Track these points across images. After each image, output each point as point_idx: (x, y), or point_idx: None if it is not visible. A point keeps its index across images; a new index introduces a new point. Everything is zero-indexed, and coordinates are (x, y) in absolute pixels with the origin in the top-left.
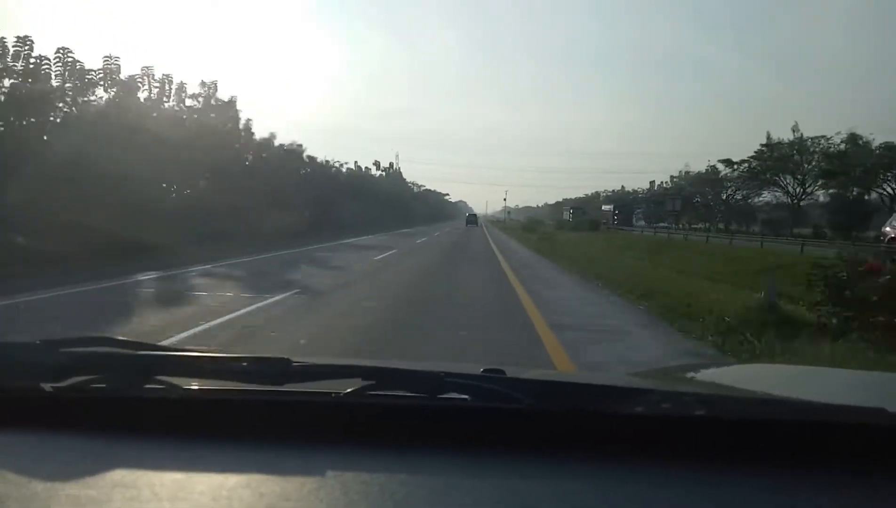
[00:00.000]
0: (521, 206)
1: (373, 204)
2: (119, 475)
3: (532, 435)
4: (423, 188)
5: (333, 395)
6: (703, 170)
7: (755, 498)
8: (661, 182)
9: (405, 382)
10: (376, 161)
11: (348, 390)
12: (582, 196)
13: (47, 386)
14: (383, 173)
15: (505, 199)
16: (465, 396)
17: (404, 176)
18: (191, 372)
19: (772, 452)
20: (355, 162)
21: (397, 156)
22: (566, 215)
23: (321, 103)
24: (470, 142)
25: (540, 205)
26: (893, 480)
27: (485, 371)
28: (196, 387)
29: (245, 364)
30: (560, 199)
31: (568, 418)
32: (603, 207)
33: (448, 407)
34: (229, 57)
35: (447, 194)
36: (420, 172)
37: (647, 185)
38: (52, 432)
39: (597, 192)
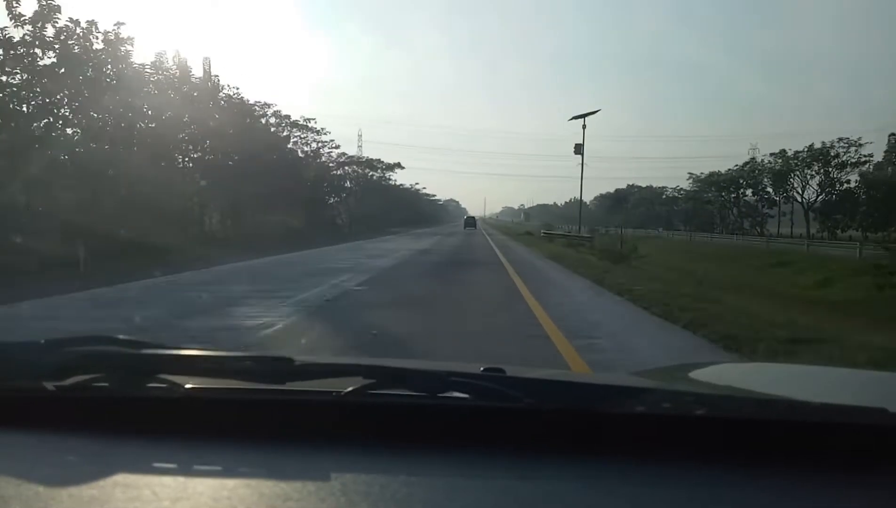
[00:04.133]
0: (532, 205)
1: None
2: (120, 475)
3: (532, 435)
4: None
5: (334, 394)
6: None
7: (755, 498)
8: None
9: (406, 381)
10: None
11: (349, 389)
12: (645, 185)
13: (50, 386)
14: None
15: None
16: (466, 395)
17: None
18: (193, 371)
19: (772, 452)
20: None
21: (360, 135)
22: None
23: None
24: (467, 139)
25: (560, 203)
26: (893, 480)
27: (485, 370)
28: (198, 386)
29: (247, 363)
30: (605, 192)
31: (568, 417)
32: None
33: (448, 407)
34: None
35: (402, 171)
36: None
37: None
38: (55, 431)
39: (697, 174)
